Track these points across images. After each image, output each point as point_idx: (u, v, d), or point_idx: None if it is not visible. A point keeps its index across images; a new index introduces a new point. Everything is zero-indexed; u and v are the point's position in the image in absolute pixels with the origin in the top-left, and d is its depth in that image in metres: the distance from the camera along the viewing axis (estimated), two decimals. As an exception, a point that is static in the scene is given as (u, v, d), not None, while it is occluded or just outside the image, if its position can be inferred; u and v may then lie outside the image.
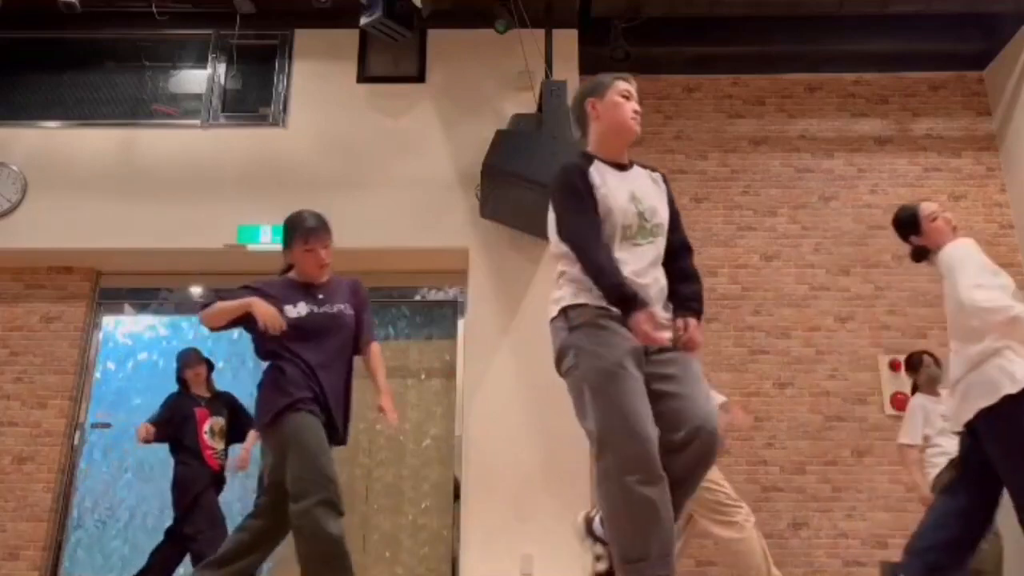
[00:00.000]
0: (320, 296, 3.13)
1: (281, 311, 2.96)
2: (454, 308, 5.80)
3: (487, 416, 5.06)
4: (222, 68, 6.00)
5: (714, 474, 4.06)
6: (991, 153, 6.32)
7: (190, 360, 4.73)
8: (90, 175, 5.62)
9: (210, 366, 4.82)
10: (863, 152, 6.36)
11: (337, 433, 3.03)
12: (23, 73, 6.08)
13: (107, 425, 5.65)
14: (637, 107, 2.50)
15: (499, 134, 5.01)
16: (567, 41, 5.80)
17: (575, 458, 4.96)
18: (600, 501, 2.15)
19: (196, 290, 6.06)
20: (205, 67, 6.02)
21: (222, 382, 4.86)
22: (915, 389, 4.68)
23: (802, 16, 6.07)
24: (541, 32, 5.51)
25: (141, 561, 4.40)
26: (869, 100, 6.49)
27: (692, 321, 2.34)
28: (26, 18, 5.86)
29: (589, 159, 2.44)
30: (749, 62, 6.44)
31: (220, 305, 2.98)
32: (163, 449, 5.60)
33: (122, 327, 5.95)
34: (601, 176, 2.37)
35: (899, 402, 5.69)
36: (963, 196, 6.22)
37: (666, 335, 2.25)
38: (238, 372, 5.79)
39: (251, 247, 5.45)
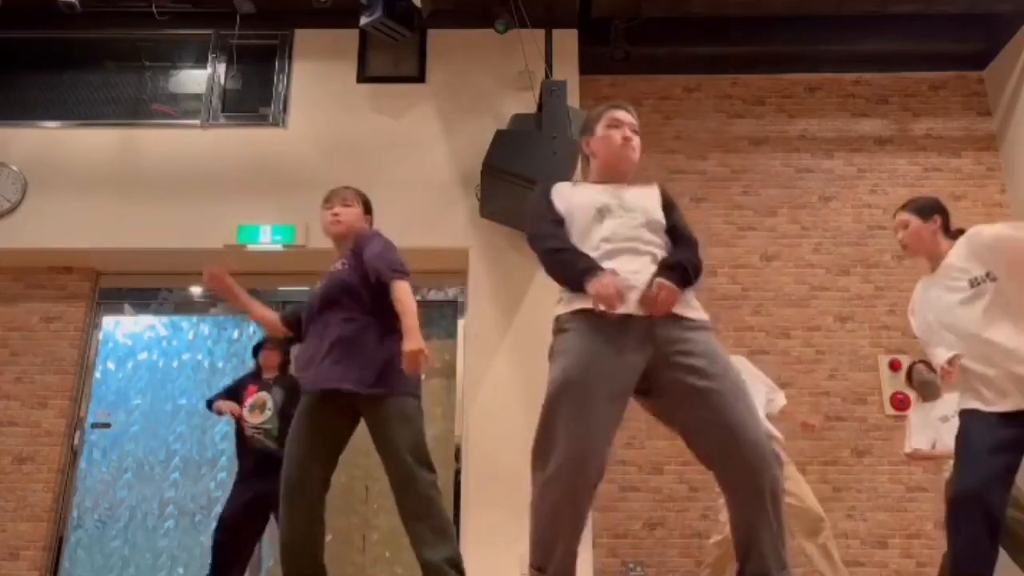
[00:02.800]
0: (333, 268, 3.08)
1: None
2: (454, 308, 5.80)
3: (487, 416, 5.05)
4: (222, 68, 6.00)
5: (800, 488, 4.11)
6: (991, 153, 6.32)
7: (263, 344, 4.59)
8: (90, 175, 5.62)
9: (285, 353, 4.57)
10: (863, 152, 6.36)
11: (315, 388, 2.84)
12: (23, 73, 6.08)
13: (107, 425, 5.64)
14: (628, 134, 2.45)
15: (499, 134, 5.01)
16: (567, 41, 5.80)
17: (575, 458, 4.96)
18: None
19: (196, 290, 6.06)
20: (205, 67, 6.02)
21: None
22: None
23: (802, 16, 6.07)
24: (541, 32, 5.51)
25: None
26: (869, 100, 6.49)
27: (660, 281, 2.14)
28: (26, 18, 5.86)
29: (566, 183, 2.54)
30: (749, 62, 6.44)
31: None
32: (163, 449, 5.63)
33: (122, 327, 5.95)
34: (568, 191, 2.44)
35: (899, 402, 5.69)
36: (963, 196, 6.22)
37: (631, 297, 2.13)
38: (238, 372, 5.79)
39: (251, 247, 5.45)
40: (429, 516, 2.72)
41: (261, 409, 4.29)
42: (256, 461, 4.24)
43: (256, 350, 4.63)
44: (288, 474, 2.77)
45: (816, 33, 6.17)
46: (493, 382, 5.14)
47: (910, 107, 6.47)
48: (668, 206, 2.42)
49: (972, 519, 2.47)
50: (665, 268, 2.20)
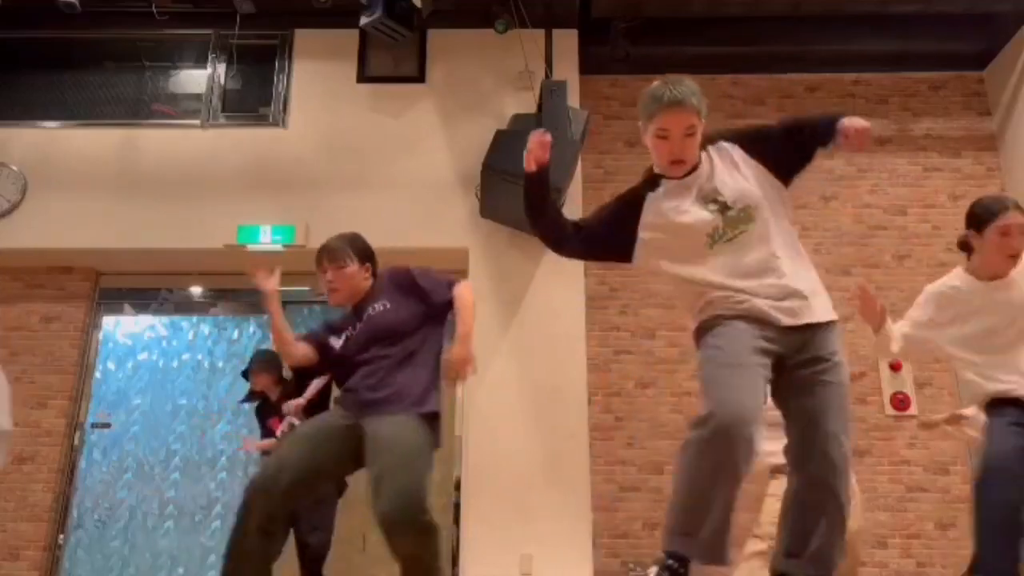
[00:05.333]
0: (360, 312, 2.90)
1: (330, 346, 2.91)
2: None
3: (487, 416, 5.05)
4: (222, 68, 6.00)
5: None
6: (991, 153, 6.31)
7: (251, 368, 4.49)
8: (90, 175, 5.61)
9: (276, 370, 4.46)
10: (863, 152, 6.35)
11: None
12: (23, 73, 6.08)
13: (107, 425, 5.65)
14: (674, 152, 2.27)
15: (499, 134, 5.01)
16: (567, 41, 5.80)
17: (575, 458, 4.96)
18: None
19: (196, 290, 6.07)
20: (205, 67, 6.02)
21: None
22: None
23: (802, 16, 6.06)
24: (541, 32, 5.51)
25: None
26: (869, 100, 6.48)
27: (835, 126, 2.21)
28: (26, 18, 5.86)
29: (654, 183, 2.36)
30: (749, 62, 6.43)
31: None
32: (163, 449, 5.63)
33: (122, 327, 5.95)
34: (658, 202, 2.31)
35: (899, 402, 5.69)
36: (963, 196, 6.20)
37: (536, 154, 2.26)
38: (238, 372, 5.78)
39: (251, 247, 5.45)
40: None
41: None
42: None
43: (246, 375, 4.53)
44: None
45: (816, 33, 6.16)
46: (493, 382, 5.14)
47: (910, 107, 6.46)
48: (753, 140, 2.37)
49: None
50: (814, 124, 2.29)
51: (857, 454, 5.60)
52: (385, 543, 2.66)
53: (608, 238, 2.35)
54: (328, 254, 2.91)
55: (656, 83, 2.24)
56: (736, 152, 2.34)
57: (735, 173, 2.31)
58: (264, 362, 4.45)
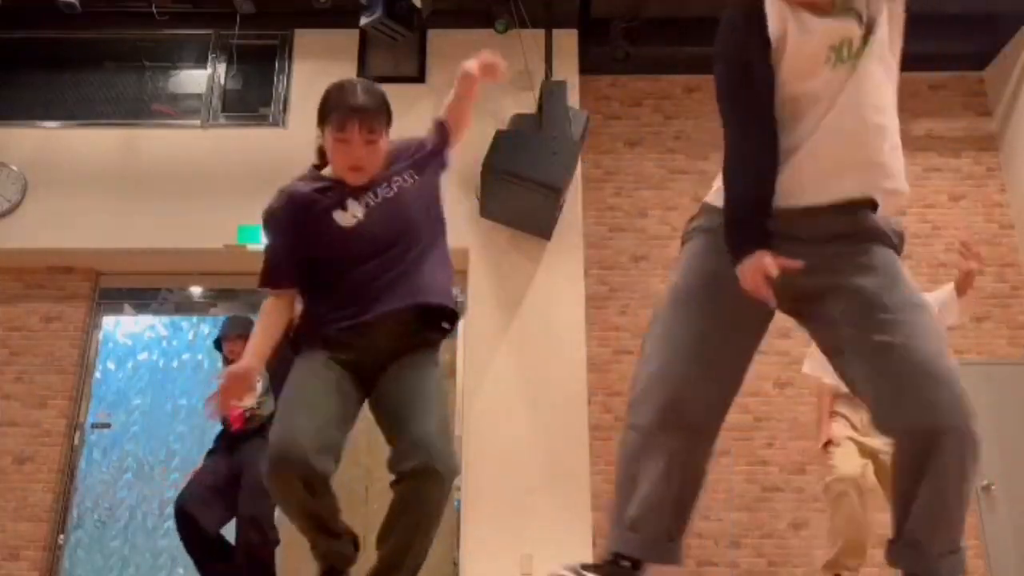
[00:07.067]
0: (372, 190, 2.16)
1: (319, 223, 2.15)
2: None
3: (487, 416, 5.05)
4: (222, 68, 6.00)
5: None
6: (991, 153, 6.31)
7: (225, 335, 4.16)
8: (90, 175, 5.62)
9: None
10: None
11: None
12: (23, 73, 6.08)
13: (107, 425, 5.65)
14: None
15: (499, 134, 5.02)
16: (567, 41, 5.80)
17: (575, 458, 4.96)
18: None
19: (196, 290, 6.07)
20: (205, 67, 6.02)
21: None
22: None
23: (802, 16, 6.07)
24: (541, 32, 5.52)
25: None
26: (869, 100, 6.48)
27: None
28: (26, 18, 5.86)
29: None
30: (749, 62, 6.43)
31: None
32: (163, 449, 5.63)
33: (122, 327, 5.95)
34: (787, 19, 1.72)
35: (899, 402, 5.69)
36: (963, 196, 6.21)
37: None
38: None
39: (251, 247, 5.44)
40: None
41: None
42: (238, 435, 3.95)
43: (219, 343, 4.25)
44: None
45: (816, 33, 6.16)
46: (493, 382, 5.14)
47: (910, 107, 6.46)
48: None
49: None
50: None
51: (857, 454, 5.60)
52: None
53: None
54: (362, 119, 2.07)
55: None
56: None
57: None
58: (241, 327, 4.07)
